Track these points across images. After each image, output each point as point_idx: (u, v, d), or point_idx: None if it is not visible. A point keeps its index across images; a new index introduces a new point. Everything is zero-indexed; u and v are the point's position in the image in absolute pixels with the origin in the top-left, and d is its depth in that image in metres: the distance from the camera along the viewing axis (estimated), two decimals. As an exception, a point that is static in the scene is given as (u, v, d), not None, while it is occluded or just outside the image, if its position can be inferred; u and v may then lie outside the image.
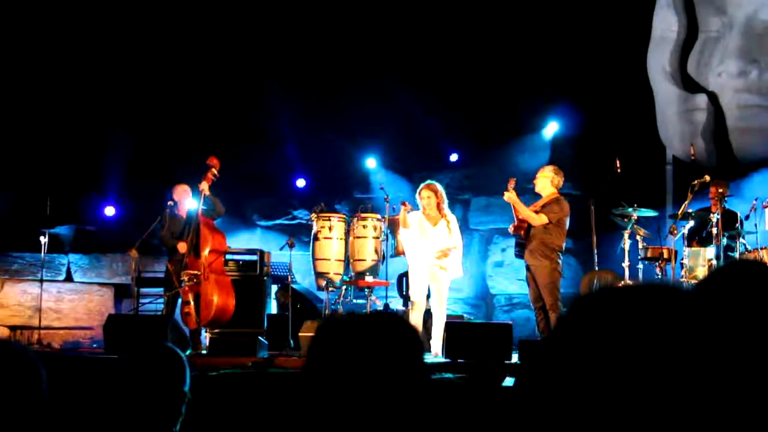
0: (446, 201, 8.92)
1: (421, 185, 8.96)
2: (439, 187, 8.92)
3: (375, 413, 1.50)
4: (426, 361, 1.69)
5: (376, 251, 10.26)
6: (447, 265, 8.76)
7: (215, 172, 9.44)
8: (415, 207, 9.04)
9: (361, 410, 1.50)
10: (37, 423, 1.74)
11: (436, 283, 8.78)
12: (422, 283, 8.79)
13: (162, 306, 9.89)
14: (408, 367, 1.56)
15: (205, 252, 9.32)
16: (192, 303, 9.25)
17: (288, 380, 6.63)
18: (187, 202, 9.67)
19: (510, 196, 8.61)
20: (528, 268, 8.74)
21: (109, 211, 12.06)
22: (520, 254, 8.86)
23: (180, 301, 9.41)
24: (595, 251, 10.29)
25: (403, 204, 8.92)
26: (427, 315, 9.15)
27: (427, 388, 1.59)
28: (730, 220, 9.31)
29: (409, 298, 9.29)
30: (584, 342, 1.08)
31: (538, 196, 8.91)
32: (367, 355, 1.54)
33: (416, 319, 8.78)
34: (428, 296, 9.02)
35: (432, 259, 8.70)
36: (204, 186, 9.42)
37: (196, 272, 9.25)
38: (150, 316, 9.84)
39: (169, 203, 9.85)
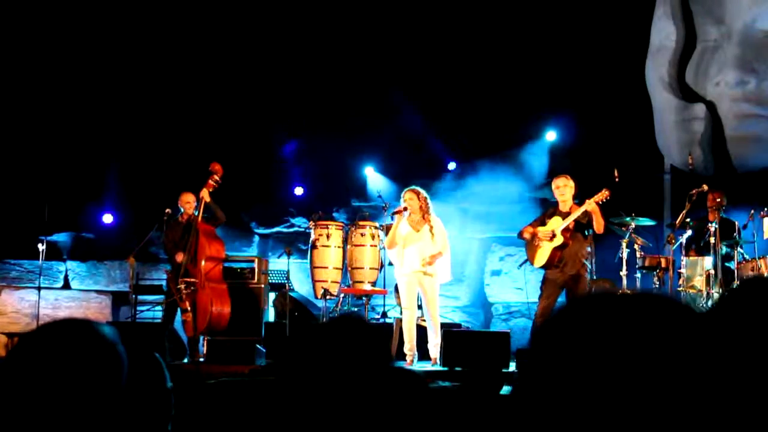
0: (431, 206, 8.89)
1: (405, 189, 8.96)
2: (423, 192, 8.90)
3: (344, 413, 1.52)
4: (391, 359, 1.72)
5: (374, 259, 10.27)
6: (433, 270, 8.75)
7: (217, 178, 9.42)
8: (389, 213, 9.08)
9: (330, 411, 1.52)
10: (113, 417, 1.73)
11: (424, 289, 8.77)
12: (411, 290, 8.78)
13: (160, 314, 9.90)
14: (370, 366, 1.58)
15: (203, 260, 9.33)
16: (190, 311, 9.25)
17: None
18: (190, 209, 9.67)
19: (595, 207, 8.58)
20: (560, 279, 8.69)
21: (107, 218, 12.05)
22: (552, 263, 8.75)
23: (180, 308, 9.42)
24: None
25: (399, 213, 8.87)
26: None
27: (395, 386, 1.61)
28: (727, 230, 9.31)
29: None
30: (565, 349, 1.09)
31: (532, 205, 8.94)
32: (331, 359, 1.57)
33: (410, 327, 8.75)
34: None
35: (417, 266, 8.69)
36: (204, 193, 9.41)
37: (193, 280, 9.25)
38: (147, 323, 9.84)
39: (167, 211, 9.86)
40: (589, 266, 8.84)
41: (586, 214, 8.58)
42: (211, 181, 9.40)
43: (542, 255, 8.72)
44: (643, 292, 1.16)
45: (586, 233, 8.73)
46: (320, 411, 1.53)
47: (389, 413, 1.56)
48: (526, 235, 8.90)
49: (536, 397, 1.10)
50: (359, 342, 1.62)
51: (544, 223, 8.82)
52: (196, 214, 9.49)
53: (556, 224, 8.68)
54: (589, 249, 8.91)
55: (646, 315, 1.09)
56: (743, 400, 1.09)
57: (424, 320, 8.96)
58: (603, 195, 8.57)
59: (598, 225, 8.56)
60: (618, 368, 1.04)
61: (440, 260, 8.82)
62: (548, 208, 9.19)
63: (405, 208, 8.75)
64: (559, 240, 8.62)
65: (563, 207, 8.77)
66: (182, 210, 9.74)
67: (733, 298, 1.41)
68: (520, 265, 9.47)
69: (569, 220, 8.61)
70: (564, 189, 8.78)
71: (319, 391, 1.54)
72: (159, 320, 9.90)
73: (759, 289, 1.37)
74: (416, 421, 1.62)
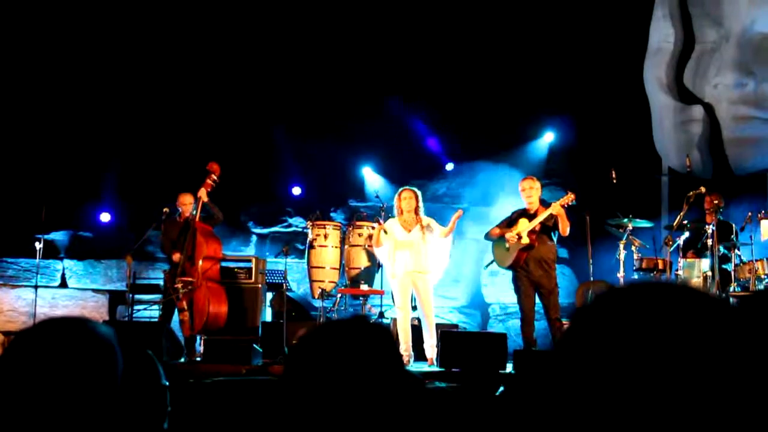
0: (423, 207, 8.96)
1: (401, 189, 9.02)
2: (419, 192, 8.97)
3: (353, 415, 1.52)
4: (402, 364, 1.71)
5: (371, 259, 10.26)
6: (427, 269, 8.77)
7: (215, 178, 9.43)
8: (391, 214, 9.12)
9: (339, 413, 1.51)
10: (108, 416, 1.73)
11: (418, 290, 8.78)
12: (404, 290, 8.78)
13: (157, 313, 9.89)
14: (383, 370, 1.58)
15: (200, 259, 9.32)
16: (187, 310, 9.25)
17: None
18: (187, 210, 9.69)
19: (560, 210, 8.61)
20: (530, 280, 8.72)
21: (105, 217, 12.03)
22: (517, 265, 8.80)
23: (177, 308, 9.41)
24: (590, 261, 10.29)
25: (378, 222, 8.96)
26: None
27: (405, 391, 1.61)
28: (725, 232, 9.32)
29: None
30: (600, 345, 1.08)
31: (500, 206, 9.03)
32: (341, 359, 1.56)
33: (405, 327, 8.76)
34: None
35: (410, 266, 8.71)
36: (202, 192, 9.41)
37: (190, 279, 9.25)
38: (144, 322, 9.83)
39: (165, 210, 9.86)
40: (557, 267, 8.90)
41: (552, 216, 8.64)
42: (209, 181, 9.41)
43: (509, 256, 8.80)
44: (673, 284, 1.14)
45: (553, 236, 8.79)
46: (318, 410, 1.53)
47: (387, 414, 1.56)
48: (494, 236, 8.97)
49: (568, 394, 1.09)
50: (371, 343, 1.62)
51: (510, 225, 8.87)
52: (194, 213, 9.49)
53: (523, 226, 8.75)
54: (556, 251, 8.97)
55: (682, 307, 1.08)
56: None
57: (418, 321, 8.97)
58: (568, 198, 8.65)
59: (563, 228, 8.65)
60: (657, 360, 1.04)
61: (437, 259, 8.87)
62: (516, 210, 9.21)
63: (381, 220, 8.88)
64: (524, 241, 8.70)
65: (530, 209, 8.85)
66: (180, 210, 9.75)
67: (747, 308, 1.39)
68: (486, 266, 9.55)
69: (535, 223, 8.69)
70: (530, 191, 8.90)
71: (319, 390, 1.54)
72: (156, 319, 9.89)
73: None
74: (414, 422, 1.62)
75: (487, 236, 9.15)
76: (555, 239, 8.85)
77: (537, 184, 8.96)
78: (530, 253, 8.70)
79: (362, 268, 10.26)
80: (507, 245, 8.79)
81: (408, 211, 8.83)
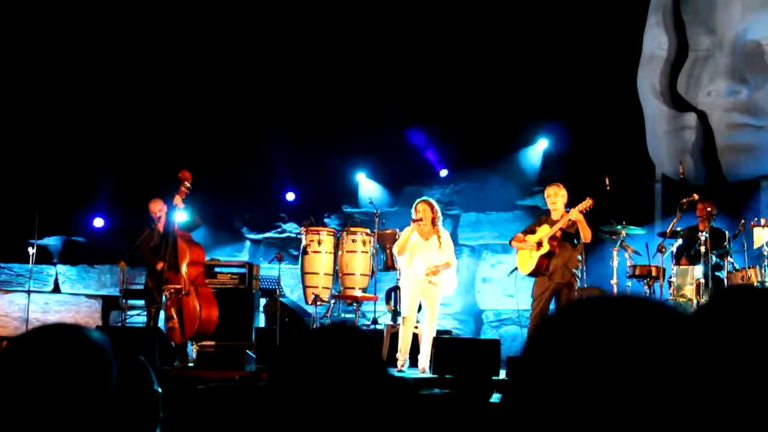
0: (441, 218, 8.94)
1: (418, 200, 8.98)
2: (435, 203, 8.94)
3: (335, 421, 1.52)
4: (385, 369, 1.72)
5: (365, 265, 10.26)
6: (437, 280, 8.74)
7: (188, 185, 9.45)
8: (387, 225, 9.08)
9: (321, 419, 1.52)
10: (101, 422, 1.73)
11: (426, 299, 8.76)
12: (413, 297, 8.77)
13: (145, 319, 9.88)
14: (364, 374, 1.58)
15: (184, 266, 9.30)
16: (176, 317, 9.23)
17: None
18: (164, 216, 9.69)
19: (579, 216, 8.59)
20: (550, 287, 8.69)
21: (98, 222, 12.01)
22: (539, 271, 8.76)
23: (163, 315, 9.40)
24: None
25: (416, 222, 8.80)
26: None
27: (390, 397, 1.61)
28: (718, 239, 9.33)
29: (399, 312, 9.26)
30: (560, 355, 1.09)
31: (523, 213, 8.99)
32: (325, 366, 1.57)
33: (406, 335, 8.75)
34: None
35: (422, 274, 8.68)
36: (177, 200, 9.42)
37: (177, 287, 9.24)
38: (137, 328, 9.80)
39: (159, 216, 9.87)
40: (579, 274, 8.87)
41: (572, 223, 8.61)
42: (182, 188, 9.42)
43: (530, 263, 8.77)
44: (631, 296, 1.16)
45: (575, 242, 8.77)
46: (310, 417, 1.53)
47: (379, 420, 1.56)
48: (516, 243, 8.94)
49: (530, 405, 1.10)
50: (353, 349, 1.62)
51: (534, 231, 8.85)
52: (171, 221, 9.49)
53: (545, 232, 8.71)
54: (579, 257, 8.96)
55: (636, 318, 1.09)
56: (734, 403, 1.09)
57: (416, 327, 8.95)
58: (586, 204, 8.61)
59: (585, 234, 8.61)
60: (612, 372, 1.05)
61: (447, 272, 8.82)
62: (540, 216, 9.21)
63: (420, 219, 8.75)
64: (545, 248, 8.66)
65: (554, 215, 8.82)
66: (154, 218, 9.76)
67: (715, 305, 1.41)
68: (510, 273, 9.51)
69: (555, 229, 8.65)
70: (555, 197, 8.83)
71: (309, 397, 1.54)
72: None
73: (739, 297, 1.38)
74: (403, 428, 1.62)
75: (511, 243, 9.13)
76: (577, 245, 8.82)
77: (562, 191, 8.88)
78: (551, 259, 8.68)
79: (356, 274, 10.26)
80: (529, 252, 8.77)
81: (425, 224, 8.80)
